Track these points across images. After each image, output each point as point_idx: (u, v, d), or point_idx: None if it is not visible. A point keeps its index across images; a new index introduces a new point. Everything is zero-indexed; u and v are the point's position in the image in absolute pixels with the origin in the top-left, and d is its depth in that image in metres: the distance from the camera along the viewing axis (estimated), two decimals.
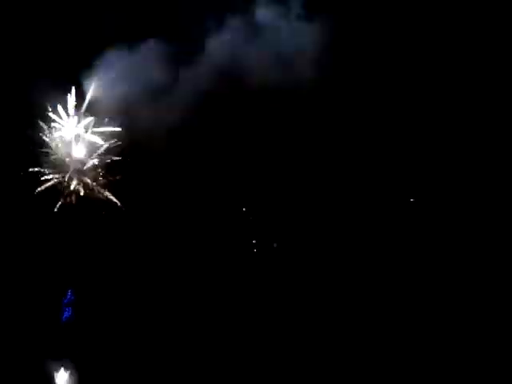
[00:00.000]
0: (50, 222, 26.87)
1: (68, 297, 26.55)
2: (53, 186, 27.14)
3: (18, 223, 26.93)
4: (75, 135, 27.26)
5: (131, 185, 27.50)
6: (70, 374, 25.03)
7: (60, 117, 27.19)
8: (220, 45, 27.35)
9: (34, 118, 26.75)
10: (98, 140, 27.38)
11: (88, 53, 26.29)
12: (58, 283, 26.40)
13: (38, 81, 25.95)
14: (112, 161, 27.72)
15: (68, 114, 27.19)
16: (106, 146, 27.44)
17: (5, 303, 25.79)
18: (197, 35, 27.06)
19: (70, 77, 26.52)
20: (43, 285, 26.25)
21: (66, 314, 26.30)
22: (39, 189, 26.92)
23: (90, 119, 27.22)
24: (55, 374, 24.89)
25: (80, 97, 27.02)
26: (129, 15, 26.64)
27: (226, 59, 27.06)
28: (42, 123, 26.94)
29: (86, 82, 26.75)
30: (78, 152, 27.42)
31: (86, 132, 27.33)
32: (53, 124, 27.13)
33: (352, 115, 27.43)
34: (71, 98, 27.06)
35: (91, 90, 26.81)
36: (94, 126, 27.40)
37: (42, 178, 27.05)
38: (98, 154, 27.61)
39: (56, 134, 27.21)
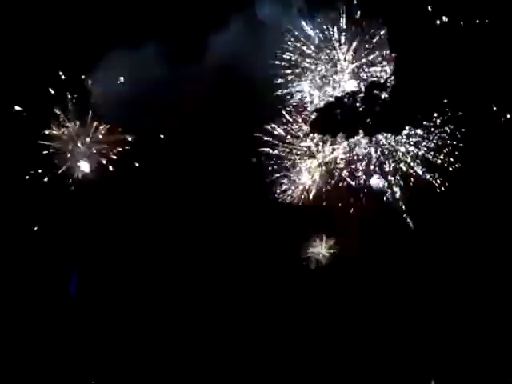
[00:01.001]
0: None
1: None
2: None
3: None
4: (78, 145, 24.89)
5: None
6: None
7: (60, 124, 24.06)
8: (222, 44, 26.85)
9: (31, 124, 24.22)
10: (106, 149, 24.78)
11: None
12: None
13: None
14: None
15: (70, 121, 24.16)
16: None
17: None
18: (198, 35, 26.54)
19: (70, 78, 24.77)
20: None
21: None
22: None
23: (95, 125, 24.27)
24: None
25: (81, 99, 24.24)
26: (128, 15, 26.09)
27: (228, 58, 26.42)
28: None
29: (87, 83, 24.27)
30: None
31: (91, 141, 24.62)
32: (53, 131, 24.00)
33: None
34: (72, 102, 24.03)
35: (93, 92, 24.16)
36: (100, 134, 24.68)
37: None
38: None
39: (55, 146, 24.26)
